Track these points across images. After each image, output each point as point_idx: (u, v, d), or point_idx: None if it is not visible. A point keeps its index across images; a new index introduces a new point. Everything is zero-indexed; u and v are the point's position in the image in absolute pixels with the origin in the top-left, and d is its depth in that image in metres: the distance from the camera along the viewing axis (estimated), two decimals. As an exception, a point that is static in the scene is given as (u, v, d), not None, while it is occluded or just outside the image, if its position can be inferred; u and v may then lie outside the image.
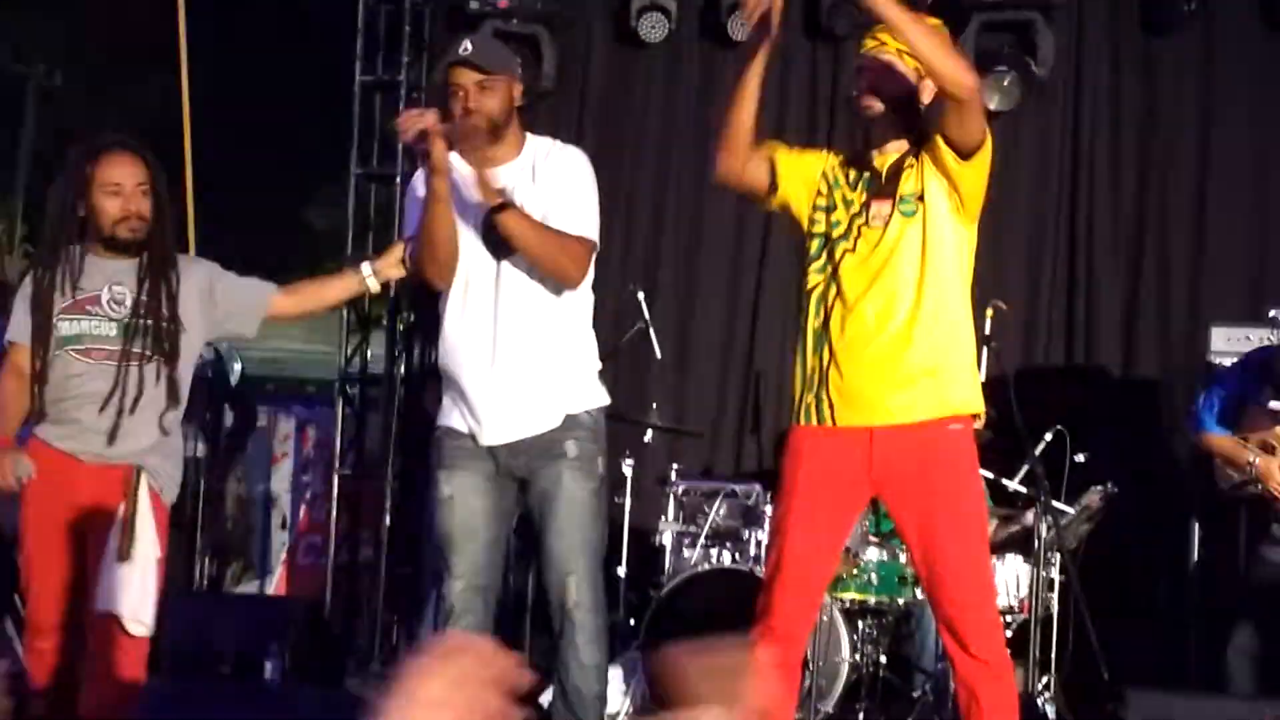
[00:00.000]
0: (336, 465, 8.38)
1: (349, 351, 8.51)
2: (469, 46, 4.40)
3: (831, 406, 4.07)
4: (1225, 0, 7.71)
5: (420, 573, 7.58)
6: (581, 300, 4.54)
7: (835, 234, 4.10)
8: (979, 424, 4.32)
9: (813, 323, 4.13)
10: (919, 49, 3.91)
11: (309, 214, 19.87)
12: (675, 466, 7.02)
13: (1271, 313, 6.71)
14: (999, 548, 6.34)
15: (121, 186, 4.49)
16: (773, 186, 4.20)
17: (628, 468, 6.87)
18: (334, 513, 8.33)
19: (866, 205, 4.09)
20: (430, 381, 7.80)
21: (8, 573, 5.88)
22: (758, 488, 6.65)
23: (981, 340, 6.41)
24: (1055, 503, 6.37)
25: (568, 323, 4.48)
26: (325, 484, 8.62)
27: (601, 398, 4.54)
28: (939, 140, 4.00)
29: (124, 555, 4.35)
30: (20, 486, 4.43)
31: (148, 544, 4.43)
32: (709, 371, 8.27)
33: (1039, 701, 6.23)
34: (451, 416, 4.48)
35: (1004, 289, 7.33)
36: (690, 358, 8.25)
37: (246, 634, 6.32)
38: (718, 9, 8.12)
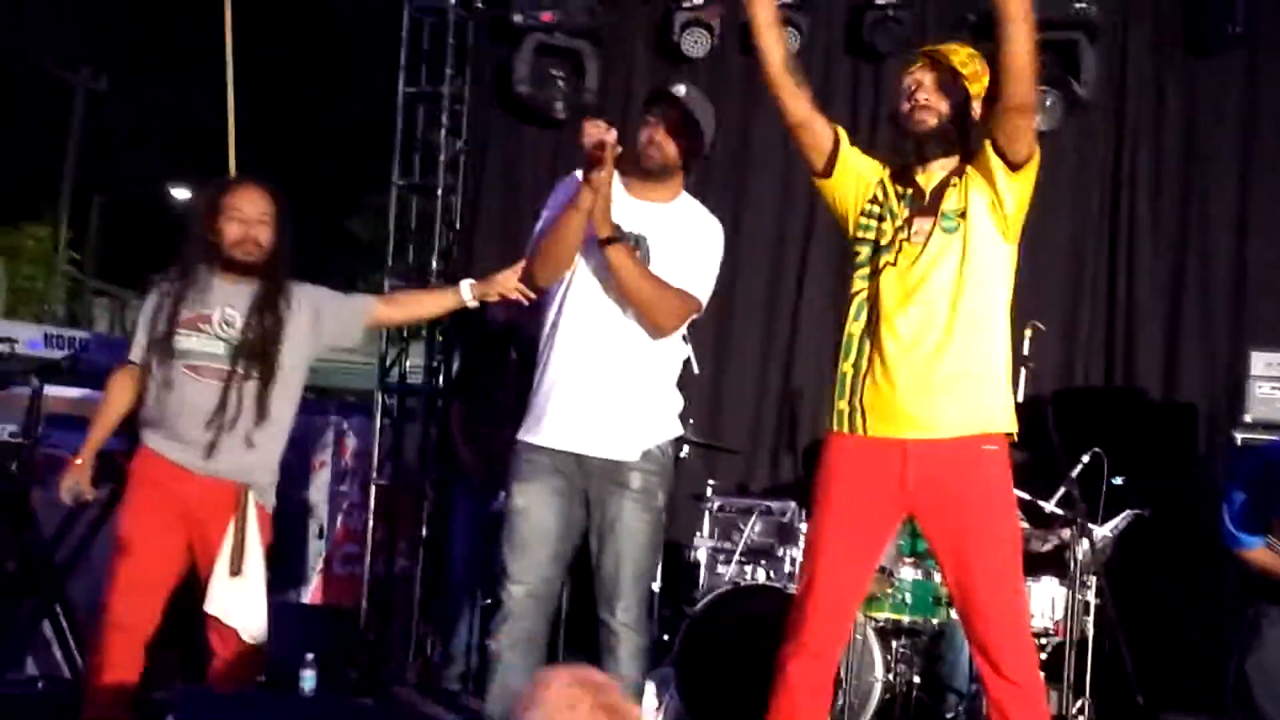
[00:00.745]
0: (374, 475, 8.41)
1: (388, 362, 8.55)
2: (686, 90, 4.60)
3: (864, 416, 4.08)
4: (1270, 22, 7.67)
5: (454, 584, 7.59)
6: (676, 346, 4.74)
7: (882, 242, 4.13)
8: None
9: (852, 327, 4.15)
10: (1026, 49, 3.90)
11: (352, 224, 19.98)
12: (711, 483, 7.02)
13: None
14: (1034, 568, 6.32)
15: (244, 214, 4.86)
16: (830, 166, 4.22)
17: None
18: (370, 522, 8.35)
19: (909, 221, 4.11)
20: (454, 400, 7.86)
21: (50, 578, 5.97)
22: (793, 505, 6.65)
23: (1019, 360, 6.40)
24: (1091, 525, 6.34)
25: (661, 361, 4.65)
26: (363, 494, 8.65)
27: (674, 430, 4.70)
28: (989, 151, 4.02)
29: (235, 570, 4.77)
30: (75, 504, 4.88)
31: (256, 560, 4.84)
32: (746, 388, 8.27)
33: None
34: (533, 430, 4.61)
35: (1043, 309, 7.31)
36: (727, 374, 8.26)
37: (282, 643, 6.33)
38: (760, 25, 8.13)
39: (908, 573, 6.33)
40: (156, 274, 5.03)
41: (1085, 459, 6.42)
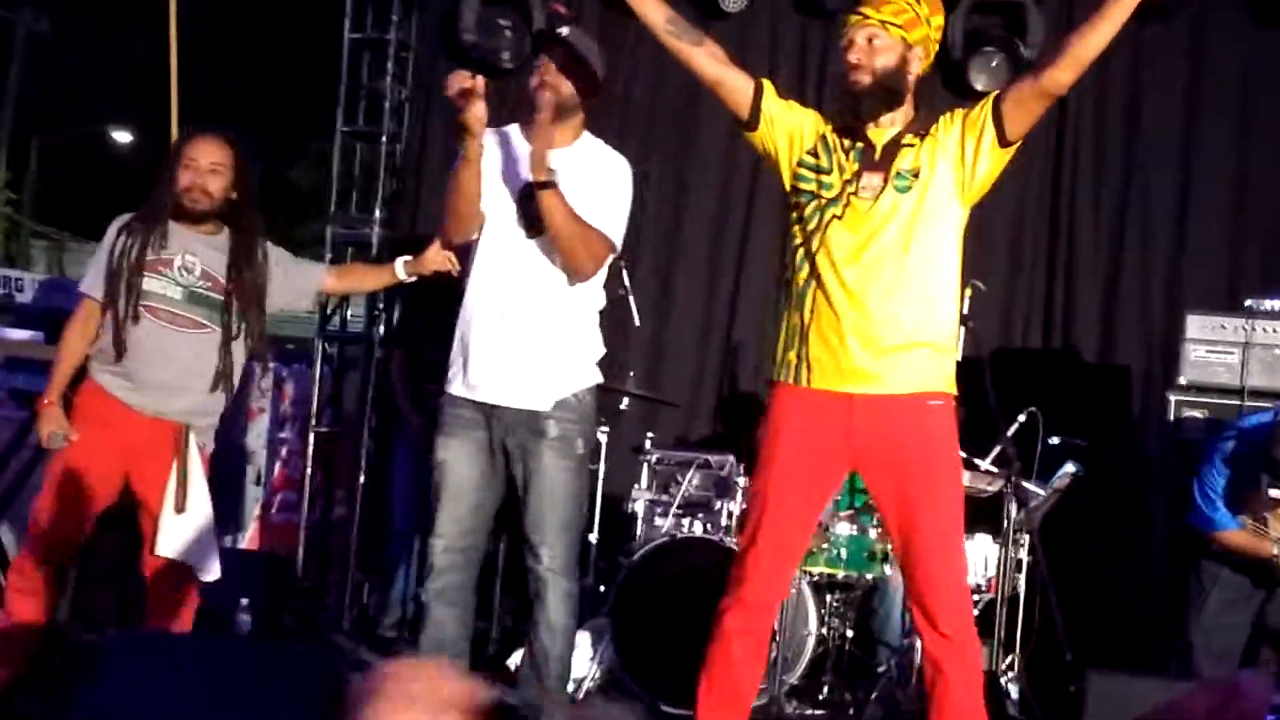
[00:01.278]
0: (313, 422, 8.38)
1: (329, 309, 8.51)
2: (570, 31, 4.62)
3: (810, 368, 4.08)
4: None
5: (393, 533, 7.60)
6: (594, 292, 4.74)
7: (827, 196, 4.10)
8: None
9: (797, 278, 4.14)
10: (1100, 47, 3.94)
11: (293, 172, 19.87)
12: (650, 436, 7.04)
13: (1248, 302, 6.77)
14: (967, 525, 6.37)
15: (197, 163, 4.95)
16: (754, 117, 4.20)
17: (603, 435, 6.90)
18: (309, 470, 8.33)
19: (858, 175, 4.08)
20: (395, 349, 7.84)
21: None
22: (731, 459, 6.67)
23: (960, 320, 6.44)
24: (1026, 484, 6.40)
25: (577, 310, 4.67)
26: (301, 441, 8.62)
27: (592, 378, 4.72)
28: (987, 115, 4.02)
29: (180, 507, 4.84)
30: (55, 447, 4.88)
31: (201, 497, 4.93)
32: (687, 342, 8.28)
33: (1002, 680, 6.28)
34: (455, 382, 4.68)
35: (984, 270, 7.36)
36: (669, 327, 8.27)
37: (218, 587, 6.32)
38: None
39: (843, 528, 6.36)
40: (120, 215, 5.06)
41: (1021, 418, 6.48)
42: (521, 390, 4.56)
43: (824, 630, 6.28)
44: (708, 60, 4.25)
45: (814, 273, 4.08)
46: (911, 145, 4.08)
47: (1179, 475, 6.71)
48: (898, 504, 4.11)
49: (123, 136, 22.21)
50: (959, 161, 4.06)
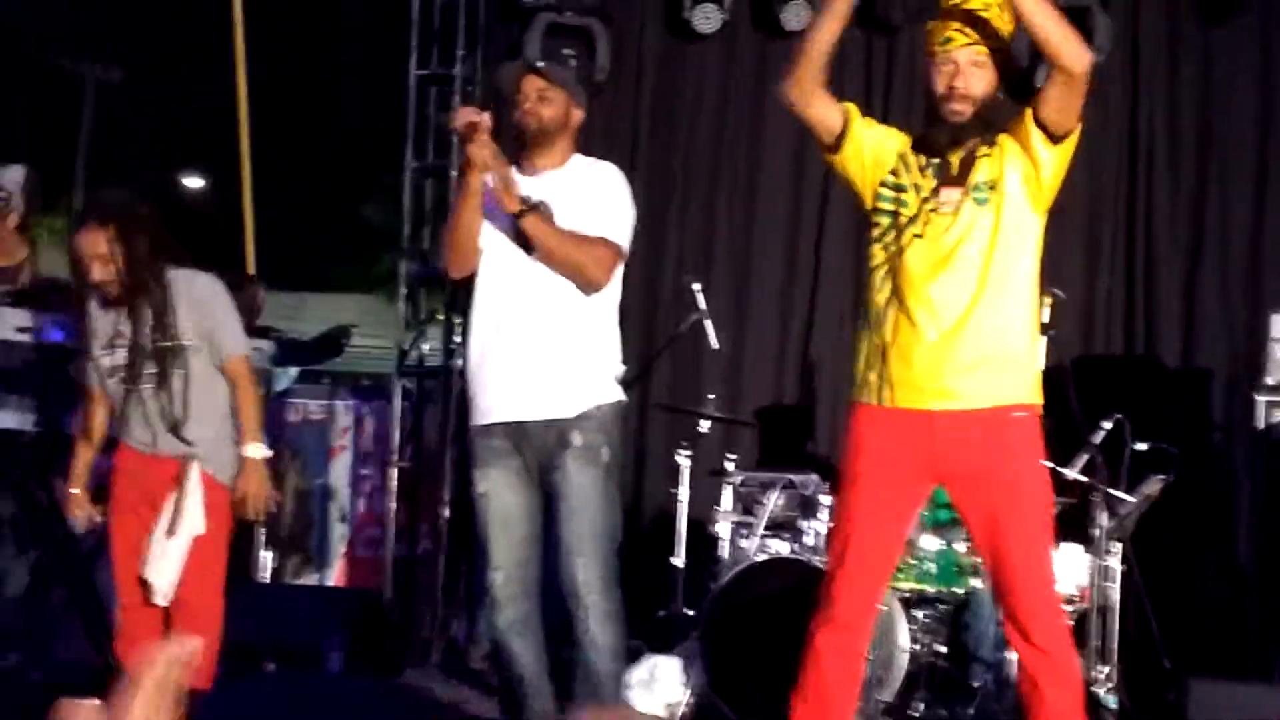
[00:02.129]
0: (394, 457, 8.41)
1: (407, 344, 8.55)
2: (539, 59, 4.56)
3: (892, 387, 4.03)
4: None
5: (477, 565, 7.61)
6: (605, 300, 4.66)
7: (904, 215, 4.07)
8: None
9: (876, 299, 4.10)
10: (1045, 27, 3.88)
11: (366, 209, 19.97)
12: (731, 457, 7.01)
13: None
14: (1057, 535, 6.32)
15: (84, 259, 5.01)
16: (839, 141, 4.17)
17: (683, 459, 6.90)
18: (392, 505, 8.36)
19: (935, 191, 4.05)
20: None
21: (78, 567, 6.05)
22: (814, 478, 6.63)
23: (1040, 329, 6.39)
24: (1114, 491, 6.33)
25: (589, 320, 4.60)
26: (383, 476, 8.66)
27: (615, 395, 4.65)
28: (1028, 120, 3.98)
29: (171, 532, 4.96)
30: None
31: (193, 524, 5.00)
32: (764, 361, 8.27)
33: (1099, 691, 6.19)
34: (476, 413, 4.66)
35: (1062, 277, 7.29)
36: (745, 348, 8.25)
37: (308, 625, 6.37)
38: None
39: (931, 542, 6.31)
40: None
41: (1107, 425, 6.40)
42: (540, 401, 4.51)
43: (916, 647, 6.21)
44: (819, 98, 4.19)
45: (894, 291, 4.04)
46: (986, 156, 4.04)
47: (1270, 478, 6.64)
48: (983, 519, 4.06)
49: (194, 182, 22.45)
50: (1025, 171, 4.02)
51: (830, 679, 4.18)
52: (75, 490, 5.19)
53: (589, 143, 8.45)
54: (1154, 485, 6.45)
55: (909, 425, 4.03)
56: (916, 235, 4.03)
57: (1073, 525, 6.46)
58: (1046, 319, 6.39)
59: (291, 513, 8.94)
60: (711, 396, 7.18)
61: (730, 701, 6.01)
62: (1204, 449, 7.31)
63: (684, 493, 6.88)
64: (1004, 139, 4.04)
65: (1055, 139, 3.97)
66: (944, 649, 6.35)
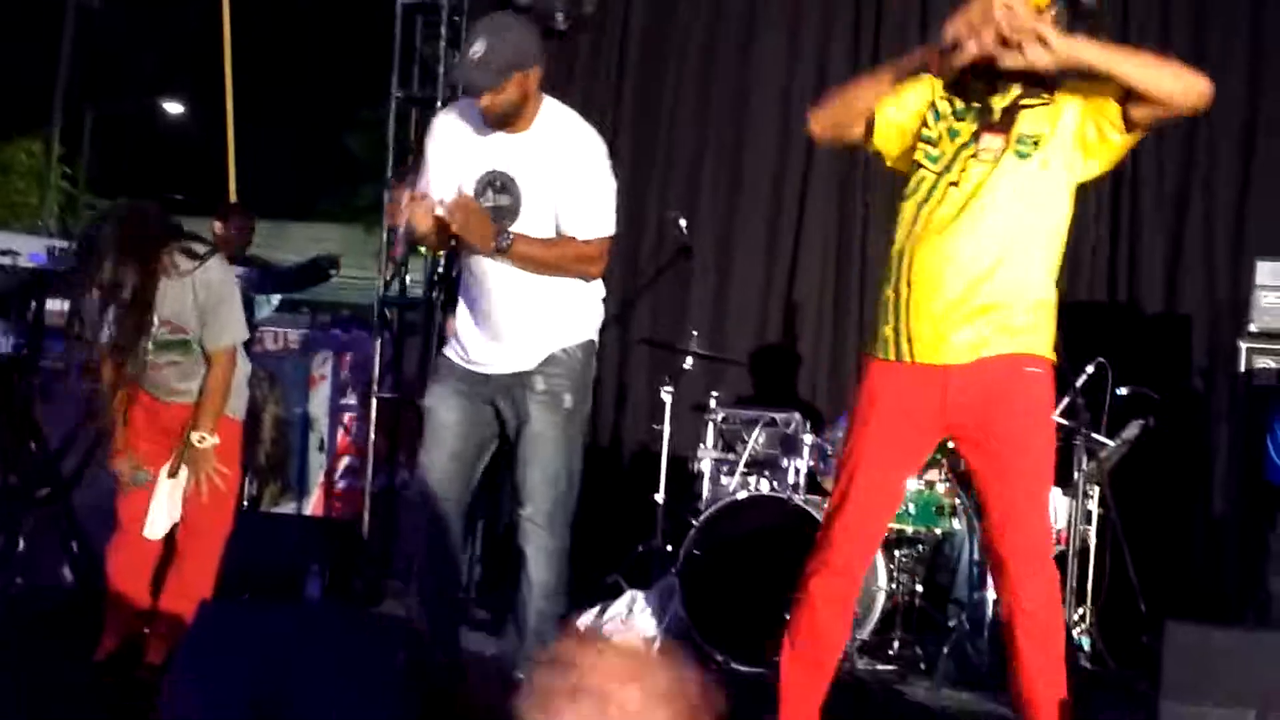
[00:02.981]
0: (375, 388, 8.41)
1: (388, 275, 8.52)
2: (474, 76, 4.47)
3: (910, 341, 3.99)
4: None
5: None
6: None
7: (937, 167, 3.97)
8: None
9: (899, 251, 4.03)
10: (1142, 83, 3.73)
11: (349, 139, 19.87)
12: (714, 394, 7.03)
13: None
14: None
15: (105, 278, 5.04)
16: (868, 134, 4.10)
17: (666, 395, 6.91)
18: (372, 436, 8.36)
19: (976, 136, 3.94)
20: (448, 312, 7.85)
21: (56, 490, 6.06)
22: (797, 416, 6.67)
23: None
24: (1095, 435, 6.36)
25: (574, 289, 4.70)
26: (363, 407, 8.65)
27: (583, 335, 4.71)
28: (1110, 104, 3.83)
29: (172, 472, 5.19)
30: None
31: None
32: (748, 300, 8.27)
33: (1074, 633, 6.23)
34: (449, 348, 4.82)
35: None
36: (730, 287, 8.25)
37: (286, 554, 6.37)
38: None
39: (910, 483, 6.33)
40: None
41: (1089, 369, 6.43)
42: (510, 358, 4.64)
43: (893, 586, 6.28)
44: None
45: (919, 243, 3.95)
46: (1036, 106, 3.91)
47: (1251, 423, 6.66)
48: (988, 472, 4.05)
49: (175, 108, 22.33)
50: (1081, 138, 3.91)
51: (822, 622, 4.17)
52: (119, 449, 5.29)
53: (577, 79, 8.46)
54: (1134, 429, 6.49)
55: (924, 379, 3.99)
56: (952, 183, 3.93)
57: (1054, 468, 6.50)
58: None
59: (270, 440, 8.91)
60: (695, 333, 7.18)
61: (709, 637, 6.05)
62: (1185, 394, 7.33)
63: (666, 429, 6.90)
64: (1065, 98, 3.91)
65: (1130, 128, 3.85)
66: (920, 588, 6.41)
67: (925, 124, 4.02)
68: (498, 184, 4.54)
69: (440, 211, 4.45)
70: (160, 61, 20.55)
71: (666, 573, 6.34)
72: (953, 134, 3.96)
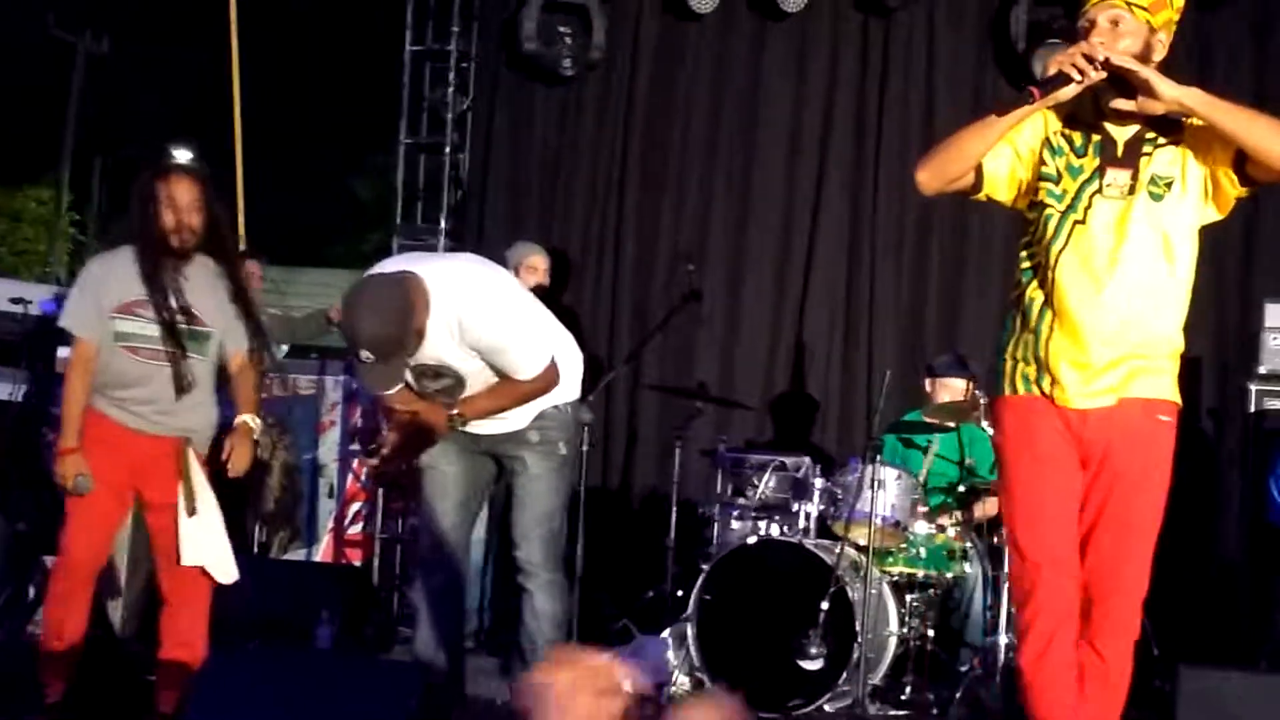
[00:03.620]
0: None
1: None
2: (377, 384, 4.64)
3: (1054, 382, 3.79)
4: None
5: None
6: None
7: (1061, 205, 3.78)
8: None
9: (1033, 293, 3.83)
10: (1249, 139, 3.60)
11: (355, 184, 19.95)
12: (723, 439, 7.03)
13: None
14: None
15: (176, 201, 4.98)
16: (976, 186, 3.91)
17: (676, 440, 6.91)
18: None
19: (1100, 171, 3.76)
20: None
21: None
22: (807, 460, 6.64)
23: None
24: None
25: None
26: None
27: (570, 395, 4.85)
28: (1230, 159, 3.70)
29: (191, 511, 5.00)
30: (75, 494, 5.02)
31: (210, 502, 5.05)
32: (758, 344, 8.28)
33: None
34: None
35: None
36: (739, 331, 8.27)
37: (296, 601, 6.37)
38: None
39: (921, 526, 6.33)
40: (101, 254, 5.19)
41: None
42: (503, 426, 4.75)
43: (904, 630, 6.24)
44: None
45: (1053, 285, 3.77)
46: (1165, 146, 3.74)
47: (1259, 465, 6.66)
48: (1097, 509, 3.83)
49: (184, 155, 22.38)
50: (1207, 185, 3.75)
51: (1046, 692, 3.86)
52: (71, 447, 5.05)
53: (585, 125, 8.48)
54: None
55: (1065, 419, 3.79)
56: (1078, 222, 3.75)
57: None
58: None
59: (280, 486, 8.91)
60: (703, 382, 7.20)
61: (721, 680, 6.03)
62: (1195, 435, 7.32)
63: (675, 473, 6.89)
64: (1192, 141, 3.74)
65: (1245, 183, 3.72)
66: (932, 633, 6.37)
67: (1043, 161, 3.83)
68: (430, 373, 4.60)
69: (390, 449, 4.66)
70: (169, 108, 20.62)
71: (676, 618, 6.32)
72: (1073, 170, 3.78)
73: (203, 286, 5.09)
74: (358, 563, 8.54)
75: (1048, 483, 3.83)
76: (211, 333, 5.10)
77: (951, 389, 6.76)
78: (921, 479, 6.59)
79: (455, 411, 4.58)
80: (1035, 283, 3.83)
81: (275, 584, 6.48)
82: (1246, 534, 6.92)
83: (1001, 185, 3.88)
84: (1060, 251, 3.75)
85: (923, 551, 6.30)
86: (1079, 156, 3.78)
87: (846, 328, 8.19)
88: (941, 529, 6.36)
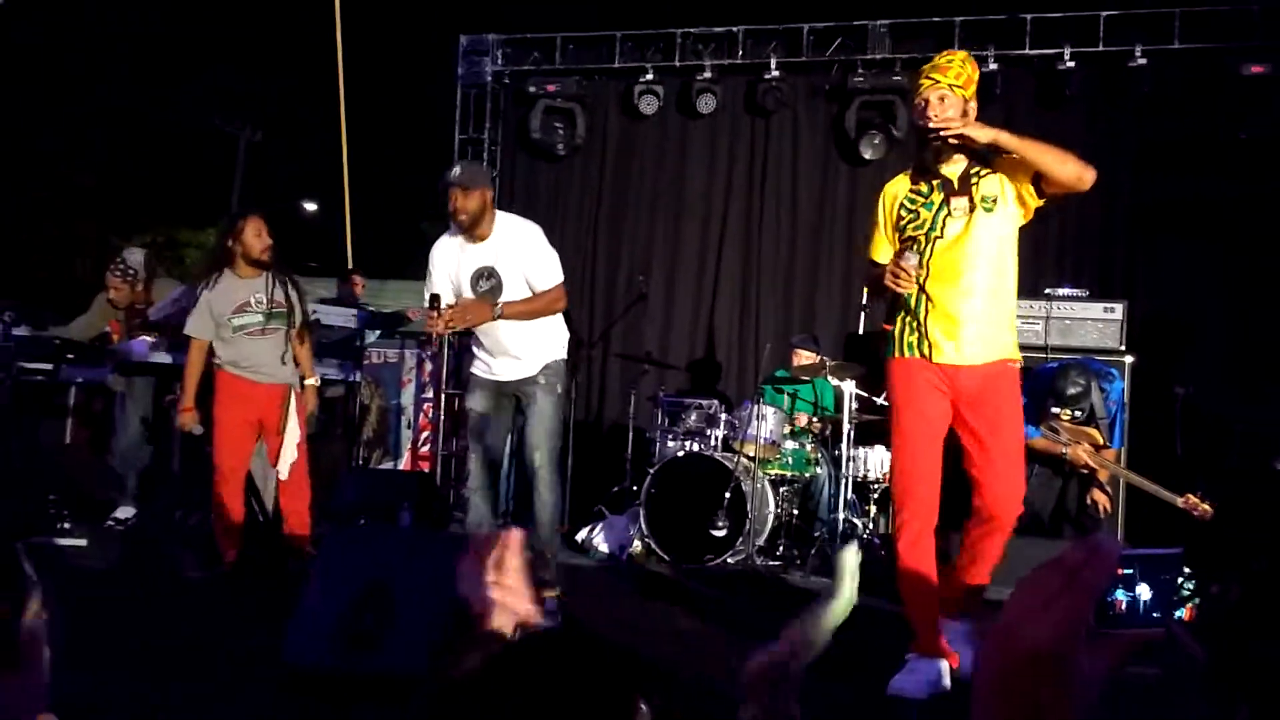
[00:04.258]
0: (443, 387, 8.40)
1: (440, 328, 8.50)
2: (457, 171, 4.48)
3: (930, 346, 3.63)
4: (1016, 88, 7.62)
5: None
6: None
7: (922, 231, 3.61)
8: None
9: (918, 290, 3.63)
10: (1041, 163, 3.46)
11: (426, 227, 19.81)
12: (662, 388, 7.05)
13: (1046, 290, 6.75)
14: (870, 439, 6.38)
15: (262, 234, 5.07)
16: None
17: (631, 390, 6.93)
18: (442, 417, 8.35)
19: (946, 201, 3.59)
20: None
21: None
22: (716, 402, 6.65)
23: (859, 308, 6.46)
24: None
25: (547, 320, 4.64)
26: (436, 399, 8.64)
27: (562, 354, 4.69)
28: (1029, 177, 3.54)
29: (281, 430, 5.12)
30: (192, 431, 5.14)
31: (293, 428, 5.16)
32: (684, 328, 8.30)
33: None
34: (476, 368, 4.75)
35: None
36: (672, 319, 8.28)
37: (388, 495, 6.35)
38: (690, 92, 8.13)
39: (790, 444, 6.38)
40: (201, 281, 5.16)
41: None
42: (519, 369, 4.61)
43: (779, 511, 6.29)
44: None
45: (928, 279, 3.62)
46: (985, 176, 3.59)
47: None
48: (975, 433, 3.62)
49: (310, 205, 22.23)
50: (1017, 197, 3.59)
51: (916, 562, 3.65)
52: (187, 407, 5.14)
53: (573, 189, 8.44)
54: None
55: (941, 374, 3.64)
56: (938, 237, 3.60)
57: (879, 433, 6.51)
58: (865, 301, 6.43)
59: (376, 422, 8.89)
60: (649, 350, 7.21)
61: (663, 545, 6.07)
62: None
63: (631, 412, 6.92)
64: (1002, 168, 3.59)
65: (1041, 195, 3.58)
66: (796, 512, 6.43)
67: (900, 215, 3.69)
68: (485, 274, 4.49)
69: (449, 317, 4.37)
70: (300, 176, 20.44)
71: (633, 504, 6.35)
72: (928, 205, 3.64)
73: (275, 285, 5.13)
74: (426, 470, 8.54)
75: (914, 422, 3.65)
76: (285, 313, 5.13)
77: (806, 356, 6.77)
78: (787, 410, 6.64)
79: (498, 308, 4.39)
80: (918, 283, 3.65)
81: (373, 484, 6.45)
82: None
83: (887, 229, 3.74)
84: (927, 260, 3.61)
85: (790, 460, 6.35)
86: (926, 196, 3.65)
87: (740, 318, 8.21)
88: (802, 445, 6.40)
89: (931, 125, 3.54)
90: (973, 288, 3.59)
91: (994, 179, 3.60)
